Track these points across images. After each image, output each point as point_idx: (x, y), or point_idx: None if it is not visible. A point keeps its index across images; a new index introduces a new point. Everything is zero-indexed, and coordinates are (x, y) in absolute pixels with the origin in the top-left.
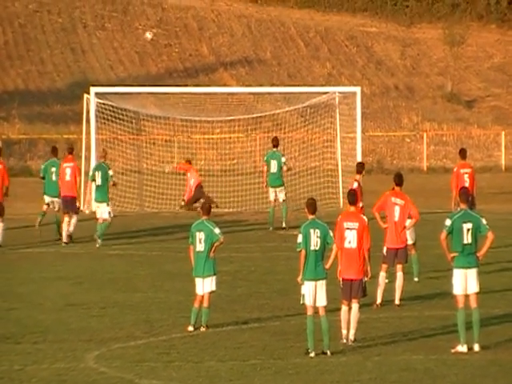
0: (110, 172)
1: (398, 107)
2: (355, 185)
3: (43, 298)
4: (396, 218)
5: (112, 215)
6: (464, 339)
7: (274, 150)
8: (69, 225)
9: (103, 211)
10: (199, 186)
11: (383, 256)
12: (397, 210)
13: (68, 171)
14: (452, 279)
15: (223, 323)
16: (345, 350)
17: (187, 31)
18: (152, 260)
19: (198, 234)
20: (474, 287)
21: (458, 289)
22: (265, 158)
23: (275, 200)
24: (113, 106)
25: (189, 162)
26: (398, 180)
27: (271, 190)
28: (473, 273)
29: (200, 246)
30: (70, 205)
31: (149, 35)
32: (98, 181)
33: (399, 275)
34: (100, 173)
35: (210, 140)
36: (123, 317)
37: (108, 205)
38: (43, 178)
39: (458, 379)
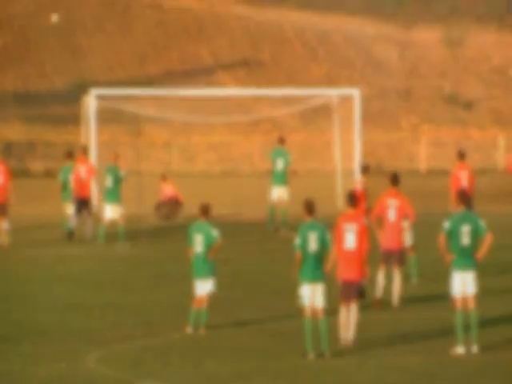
0: (122, 172)
1: (397, 109)
2: (359, 186)
3: (43, 299)
4: (392, 219)
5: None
6: (462, 340)
7: (281, 147)
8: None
9: (117, 211)
10: (175, 200)
11: (381, 256)
12: (392, 210)
13: (82, 172)
14: (450, 281)
15: (222, 324)
16: (343, 351)
17: (186, 33)
18: (151, 261)
19: (195, 235)
20: (472, 288)
21: (456, 290)
22: (270, 156)
23: (277, 200)
24: (112, 108)
25: (164, 177)
26: (393, 180)
27: (275, 188)
28: (471, 274)
29: (198, 248)
30: (85, 206)
31: (54, 18)
32: (110, 183)
33: (396, 277)
34: (111, 175)
35: (209, 142)
36: (123, 318)
37: (120, 206)
38: (63, 185)
39: (457, 380)
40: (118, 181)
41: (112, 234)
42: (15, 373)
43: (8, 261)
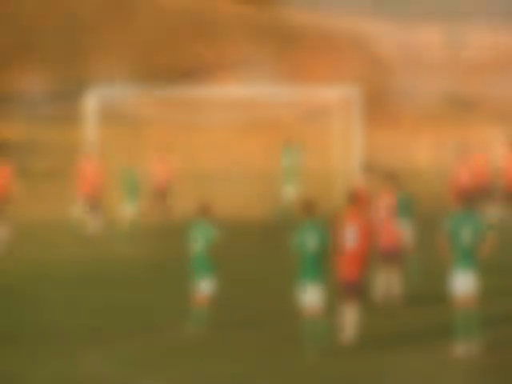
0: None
1: (398, 108)
2: (360, 185)
3: (44, 299)
4: (385, 219)
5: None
6: (463, 340)
7: (291, 145)
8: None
9: (133, 210)
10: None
11: (379, 256)
12: (385, 210)
13: (90, 170)
14: (451, 280)
15: (222, 324)
16: (343, 351)
17: (186, 33)
18: (151, 261)
19: (195, 235)
20: (472, 288)
21: (456, 290)
22: (282, 153)
23: (287, 197)
24: (113, 107)
25: (162, 156)
26: (387, 180)
27: (287, 186)
28: (471, 274)
29: (198, 247)
30: (96, 205)
31: None
32: (128, 183)
33: (394, 276)
34: (128, 176)
35: (209, 142)
36: (124, 317)
37: (136, 204)
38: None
39: (457, 380)
40: (135, 181)
41: (113, 233)
42: (15, 373)
43: (8, 261)
